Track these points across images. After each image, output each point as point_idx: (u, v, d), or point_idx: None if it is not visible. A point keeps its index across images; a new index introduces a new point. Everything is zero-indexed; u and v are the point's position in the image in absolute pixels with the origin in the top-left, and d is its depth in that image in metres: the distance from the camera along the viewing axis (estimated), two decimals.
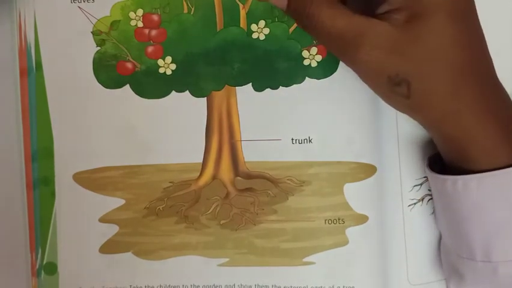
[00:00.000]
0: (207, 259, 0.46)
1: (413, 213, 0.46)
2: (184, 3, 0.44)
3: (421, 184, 0.46)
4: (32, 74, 0.45)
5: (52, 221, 0.46)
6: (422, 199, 0.46)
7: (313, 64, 0.45)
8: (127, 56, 0.45)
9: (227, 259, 0.46)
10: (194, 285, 0.46)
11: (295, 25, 0.44)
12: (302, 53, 0.45)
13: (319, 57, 0.45)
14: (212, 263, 0.46)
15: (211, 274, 0.46)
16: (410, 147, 0.45)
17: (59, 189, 0.46)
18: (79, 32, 0.45)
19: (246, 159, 0.46)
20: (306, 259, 0.46)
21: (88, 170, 0.45)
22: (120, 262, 0.46)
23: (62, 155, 0.46)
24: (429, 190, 0.45)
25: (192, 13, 0.44)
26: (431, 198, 0.45)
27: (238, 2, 0.44)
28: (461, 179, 0.37)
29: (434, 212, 0.45)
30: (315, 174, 0.45)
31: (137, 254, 0.46)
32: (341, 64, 0.45)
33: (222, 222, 0.46)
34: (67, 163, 0.46)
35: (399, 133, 0.45)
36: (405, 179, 0.45)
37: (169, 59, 0.45)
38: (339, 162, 0.45)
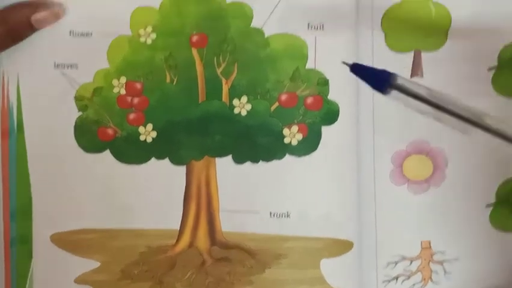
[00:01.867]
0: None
1: None
2: (167, 73, 0.44)
3: (396, 262, 0.45)
4: (13, 135, 0.44)
5: (28, 280, 0.46)
6: (397, 278, 0.46)
7: (294, 142, 0.44)
8: (109, 122, 0.44)
9: None
10: None
11: (277, 103, 0.44)
12: (283, 131, 0.44)
13: (300, 136, 0.44)
14: None
15: None
16: (387, 224, 0.45)
17: (36, 249, 0.45)
18: (61, 96, 0.44)
19: (223, 229, 0.45)
20: None
21: (66, 231, 0.45)
22: None
23: (40, 215, 0.45)
24: (405, 270, 0.45)
25: (174, 83, 0.44)
26: (407, 279, 0.45)
27: (221, 77, 0.44)
28: None
29: None
30: (292, 248, 0.45)
31: None
32: (322, 143, 0.44)
33: None
34: (44, 223, 0.45)
35: (377, 210, 0.45)
36: (380, 255, 0.45)
37: (150, 126, 0.44)
38: (316, 238, 0.45)
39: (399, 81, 0.31)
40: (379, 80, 0.32)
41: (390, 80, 0.31)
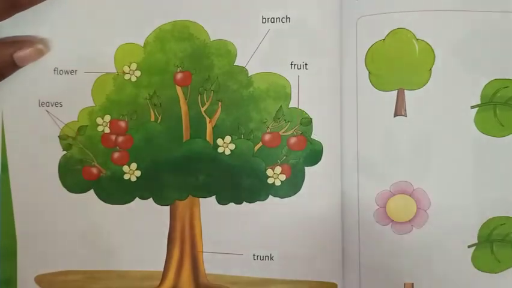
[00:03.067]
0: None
1: None
2: (152, 111, 0.43)
3: None
4: None
5: None
6: None
7: (277, 183, 0.43)
8: (93, 161, 0.43)
9: None
10: None
11: (260, 143, 0.43)
12: (266, 172, 0.43)
13: (283, 177, 0.43)
14: None
15: None
16: (371, 267, 0.44)
17: None
18: (45, 136, 0.44)
19: (206, 271, 0.44)
20: None
21: (50, 272, 0.44)
22: None
23: (24, 256, 0.45)
24: None
25: (158, 121, 0.43)
26: None
27: (205, 116, 0.43)
28: None
29: None
30: None
31: None
32: (305, 184, 0.43)
33: None
34: (29, 264, 0.44)
35: (361, 253, 0.44)
36: None
37: (134, 165, 0.43)
38: (300, 281, 0.43)
39: None
40: None
41: None
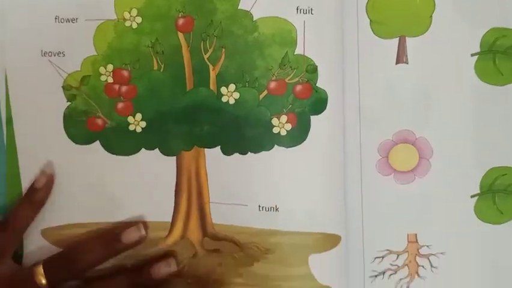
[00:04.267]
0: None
1: (373, 286, 0.43)
2: (154, 59, 0.42)
3: (383, 257, 0.43)
4: (1, 127, 0.43)
5: None
6: (384, 273, 0.44)
7: (283, 132, 0.42)
8: (97, 112, 0.42)
9: None
10: None
11: (265, 92, 0.41)
12: (272, 121, 0.41)
13: (288, 126, 0.42)
14: None
15: None
16: (374, 218, 0.43)
17: (26, 244, 0.44)
18: (49, 87, 0.42)
19: (213, 221, 0.43)
20: None
21: (57, 226, 0.43)
22: None
23: None
24: (391, 264, 0.43)
25: (161, 70, 0.42)
26: (394, 273, 0.43)
27: (208, 63, 0.41)
28: None
29: None
30: (280, 243, 0.42)
31: None
32: (311, 134, 0.41)
33: (189, 281, 0.43)
34: (35, 218, 0.43)
35: (364, 204, 0.43)
36: (367, 250, 0.43)
37: (139, 116, 0.42)
38: (304, 233, 0.42)
39: None
40: None
41: None
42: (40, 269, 0.40)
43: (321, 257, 0.42)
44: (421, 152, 0.43)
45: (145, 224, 0.43)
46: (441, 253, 0.43)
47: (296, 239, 0.42)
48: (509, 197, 0.43)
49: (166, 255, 0.43)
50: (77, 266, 0.40)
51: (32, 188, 0.42)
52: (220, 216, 0.43)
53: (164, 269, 0.41)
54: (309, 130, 0.41)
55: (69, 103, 0.42)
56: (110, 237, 0.41)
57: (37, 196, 0.42)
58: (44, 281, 0.40)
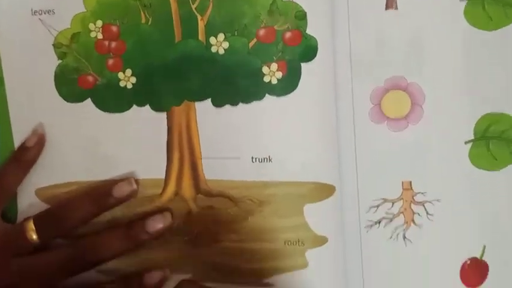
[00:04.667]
0: (170, 275, 0.43)
1: (369, 235, 0.43)
2: (142, 13, 0.41)
3: (378, 206, 0.43)
4: None
5: None
6: (379, 222, 0.43)
7: (274, 81, 0.41)
8: (88, 69, 0.42)
9: (190, 275, 0.43)
10: None
11: (255, 40, 0.41)
12: (262, 69, 0.41)
13: (279, 74, 0.41)
14: (175, 279, 0.43)
15: None
16: (368, 167, 0.42)
17: (21, 205, 0.43)
18: (40, 45, 0.42)
19: (206, 177, 0.43)
20: (265, 281, 0.42)
21: (50, 185, 0.43)
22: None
23: None
24: (387, 213, 0.43)
25: (149, 23, 0.41)
26: (389, 222, 0.43)
27: (196, 13, 0.41)
28: None
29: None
30: (274, 194, 0.42)
31: (98, 269, 0.43)
32: (302, 81, 0.41)
33: (184, 238, 0.43)
34: (28, 178, 0.43)
35: (358, 153, 0.42)
36: (362, 199, 0.43)
37: (129, 71, 0.42)
38: (298, 183, 0.42)
39: None
40: None
41: None
42: (31, 224, 0.39)
43: (316, 207, 0.41)
44: (413, 97, 0.42)
45: (136, 181, 0.41)
46: (437, 200, 0.43)
47: (290, 189, 0.41)
48: (504, 143, 0.43)
49: (161, 210, 0.41)
50: (67, 223, 0.40)
51: (22, 147, 0.41)
52: (213, 171, 0.42)
53: (159, 221, 0.40)
54: (300, 78, 0.40)
55: (60, 61, 0.42)
56: (100, 192, 0.41)
57: (27, 155, 0.41)
58: (35, 237, 0.39)
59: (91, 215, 0.41)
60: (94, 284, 0.41)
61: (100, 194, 0.41)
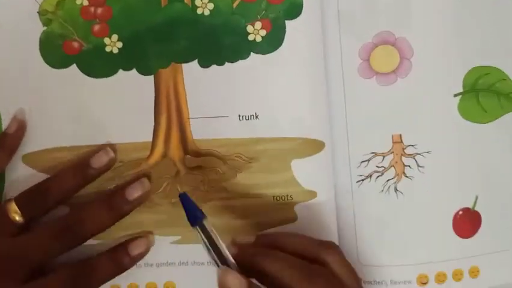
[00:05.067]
0: (159, 237, 0.44)
1: (361, 189, 0.43)
2: None
3: (369, 160, 0.43)
4: None
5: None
6: (370, 176, 0.44)
7: (258, 39, 0.42)
8: (73, 35, 0.42)
9: (179, 237, 0.44)
10: (147, 263, 0.44)
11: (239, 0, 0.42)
12: (247, 28, 0.42)
13: (263, 32, 0.42)
14: (165, 240, 0.44)
15: (164, 252, 0.44)
16: (358, 122, 0.43)
17: (8, 171, 0.43)
18: (25, 12, 0.42)
19: (194, 137, 0.43)
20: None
21: (37, 151, 0.43)
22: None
23: None
24: (378, 167, 0.43)
25: None
26: (380, 175, 0.43)
27: None
28: None
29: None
30: (263, 150, 0.43)
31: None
32: (286, 38, 0.42)
33: (173, 200, 0.43)
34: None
35: (347, 109, 0.43)
36: (353, 154, 0.43)
37: (115, 37, 0.42)
38: (286, 139, 0.42)
39: (205, 224, 0.37)
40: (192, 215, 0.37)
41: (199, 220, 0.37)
42: (13, 205, 0.39)
43: (304, 162, 0.42)
44: (401, 52, 0.43)
45: (113, 147, 0.42)
46: (427, 152, 0.43)
47: (279, 145, 0.42)
48: (493, 95, 0.43)
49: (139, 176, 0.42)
50: (50, 197, 0.40)
51: (3, 134, 0.41)
52: (201, 131, 0.43)
53: (137, 188, 0.40)
54: (284, 35, 0.41)
55: (45, 28, 0.42)
56: (79, 165, 0.41)
57: (8, 141, 0.42)
58: (18, 218, 0.39)
59: (73, 187, 0.41)
60: (82, 260, 0.40)
61: (80, 166, 0.41)
